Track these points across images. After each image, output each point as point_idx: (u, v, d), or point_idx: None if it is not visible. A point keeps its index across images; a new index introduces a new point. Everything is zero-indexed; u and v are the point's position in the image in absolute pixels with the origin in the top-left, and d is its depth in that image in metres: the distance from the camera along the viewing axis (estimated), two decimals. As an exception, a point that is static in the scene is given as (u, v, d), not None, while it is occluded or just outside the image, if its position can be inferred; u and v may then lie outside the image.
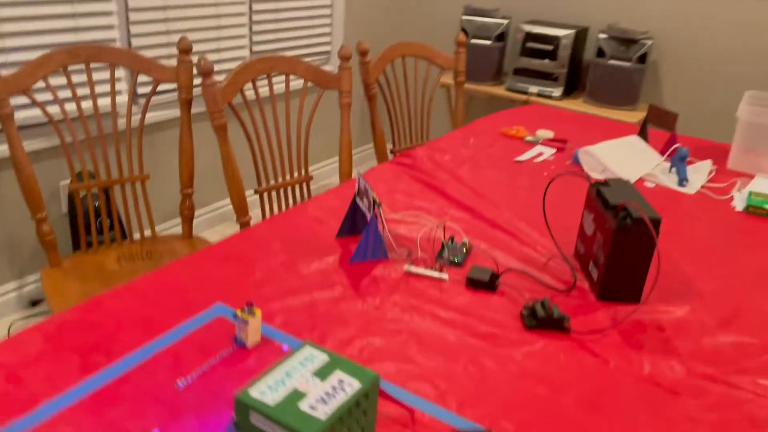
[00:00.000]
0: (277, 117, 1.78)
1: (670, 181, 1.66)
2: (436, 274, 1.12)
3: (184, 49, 1.73)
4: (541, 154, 1.80)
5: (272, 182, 1.83)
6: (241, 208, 1.66)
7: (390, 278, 1.11)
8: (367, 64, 2.01)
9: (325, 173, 3.48)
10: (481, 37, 3.02)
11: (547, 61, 2.86)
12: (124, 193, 1.78)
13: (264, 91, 2.87)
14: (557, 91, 2.88)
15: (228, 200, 2.99)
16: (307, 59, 3.14)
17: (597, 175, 1.67)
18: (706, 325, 1.04)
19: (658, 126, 1.85)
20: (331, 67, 3.34)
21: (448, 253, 1.19)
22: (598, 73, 2.80)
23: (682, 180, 1.65)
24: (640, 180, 1.66)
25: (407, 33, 3.57)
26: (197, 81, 1.76)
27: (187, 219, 1.84)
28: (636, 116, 2.75)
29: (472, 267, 1.13)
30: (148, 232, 2.56)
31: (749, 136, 1.75)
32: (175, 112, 2.53)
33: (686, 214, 1.48)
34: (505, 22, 2.99)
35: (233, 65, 2.73)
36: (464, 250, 1.21)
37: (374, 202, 1.11)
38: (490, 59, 3.02)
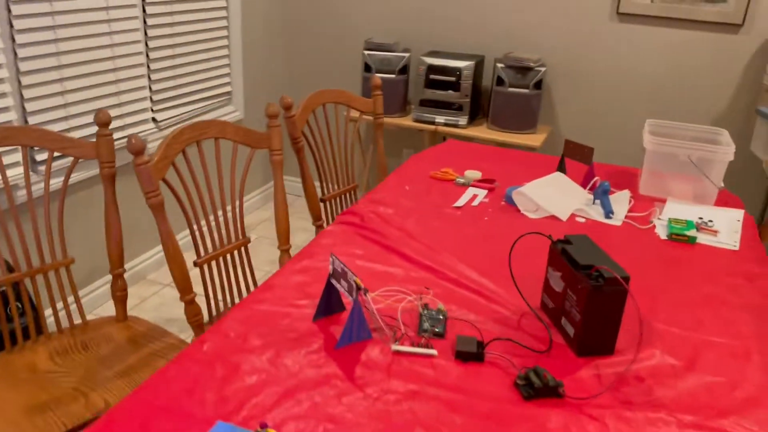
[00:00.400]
0: (210, 182, 1.71)
1: (598, 214, 1.78)
2: (424, 351, 1.13)
3: (103, 123, 1.63)
4: (475, 196, 1.86)
5: (210, 251, 1.75)
6: (185, 287, 1.58)
7: (381, 361, 1.10)
8: (293, 117, 1.98)
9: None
10: (385, 71, 3.07)
11: (450, 92, 2.96)
12: (48, 281, 1.63)
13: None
14: (463, 120, 2.99)
15: (138, 259, 2.83)
16: (207, 102, 3.04)
17: (531, 215, 1.76)
18: (676, 368, 1.13)
19: (575, 159, 1.97)
20: (233, 107, 3.26)
21: (429, 324, 1.20)
22: (499, 100, 2.94)
23: (608, 213, 1.77)
24: (572, 216, 1.76)
25: (308, 69, 3.56)
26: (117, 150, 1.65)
27: (120, 300, 1.73)
28: (537, 139, 2.91)
29: (457, 338, 1.15)
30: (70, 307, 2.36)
31: (656, 163, 1.92)
32: (83, 174, 2.36)
33: (620, 248, 1.59)
34: (407, 55, 3.06)
35: (136, 119, 2.59)
36: (441, 317, 1.23)
37: (357, 286, 1.10)
38: (396, 92, 3.08)
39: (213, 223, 3.58)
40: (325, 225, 2.17)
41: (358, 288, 1.10)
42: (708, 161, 1.86)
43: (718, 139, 1.99)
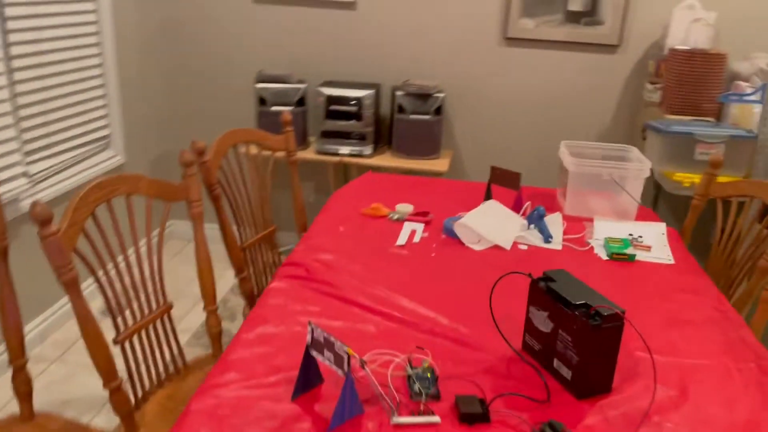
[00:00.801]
0: (123, 245, 1.49)
1: (537, 239, 1.78)
2: (427, 419, 1.02)
3: (-12, 187, 1.36)
4: (414, 231, 1.79)
5: (130, 323, 1.52)
6: (109, 373, 1.35)
7: (383, 439, 0.98)
8: (206, 163, 1.80)
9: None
10: (281, 103, 2.93)
11: (353, 121, 2.89)
12: (-73, 387, 1.33)
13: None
14: (367, 150, 2.92)
15: (18, 332, 2.45)
16: (85, 148, 2.73)
17: (475, 246, 1.71)
18: (673, 399, 1.12)
19: (502, 185, 1.96)
20: (113, 152, 2.95)
21: (419, 386, 1.09)
22: (402, 128, 2.91)
23: (547, 237, 1.77)
24: (515, 243, 1.74)
25: (195, 106, 3.32)
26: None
27: (25, 396, 1.45)
28: (442, 164, 2.91)
29: (457, 398, 1.06)
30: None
31: (579, 183, 1.96)
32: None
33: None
34: (303, 86, 2.95)
35: (6, 175, 2.24)
36: (429, 375, 1.13)
37: (348, 356, 0.97)
38: (295, 124, 2.94)
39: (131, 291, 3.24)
40: (250, 275, 1.99)
41: (350, 358, 0.97)
42: (628, 179, 1.92)
43: (628, 156, 2.07)
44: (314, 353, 1.05)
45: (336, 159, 2.93)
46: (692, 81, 2.54)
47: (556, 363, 1.15)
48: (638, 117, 2.97)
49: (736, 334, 1.34)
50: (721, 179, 2.40)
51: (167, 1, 3.15)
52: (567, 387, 1.13)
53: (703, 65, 2.52)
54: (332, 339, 1.00)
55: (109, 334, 1.37)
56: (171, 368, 1.63)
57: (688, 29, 2.64)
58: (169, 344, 1.62)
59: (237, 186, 2.00)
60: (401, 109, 2.89)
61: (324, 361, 1.03)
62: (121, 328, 1.49)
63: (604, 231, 1.84)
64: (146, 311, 1.56)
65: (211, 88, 3.28)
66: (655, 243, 1.79)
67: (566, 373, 1.12)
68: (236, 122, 3.30)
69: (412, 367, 1.14)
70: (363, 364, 0.97)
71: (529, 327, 1.22)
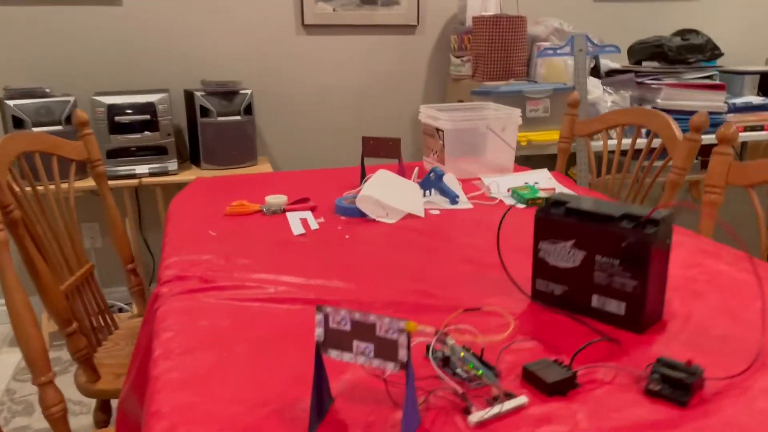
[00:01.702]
0: None
1: (444, 202, 1.55)
2: (515, 403, 0.71)
3: None
4: (305, 219, 1.43)
5: None
6: None
7: (482, 449, 0.64)
8: (-7, 173, 1.22)
9: None
10: (46, 122, 2.29)
11: (147, 133, 2.37)
12: None
13: None
14: (172, 165, 2.43)
15: None
16: None
17: (385, 220, 1.42)
18: (723, 309, 0.96)
19: (379, 156, 1.71)
20: None
21: (463, 369, 0.77)
22: (210, 133, 2.48)
23: (454, 198, 1.55)
24: (426, 210, 1.49)
25: None
26: None
27: None
28: (262, 169, 2.55)
29: (529, 367, 0.76)
30: None
31: (455, 143, 1.78)
32: None
33: (505, 227, 1.39)
34: (71, 99, 2.34)
35: None
36: (462, 353, 0.81)
37: (409, 336, 0.62)
38: (70, 147, 2.32)
39: None
40: (78, 330, 1.42)
41: (409, 336, 0.62)
42: (503, 129, 1.80)
43: (486, 109, 1.97)
44: (333, 354, 0.67)
45: (134, 182, 2.38)
46: (502, 46, 2.57)
47: (596, 300, 0.92)
48: (448, 92, 2.96)
49: (699, 243, 1.26)
50: (552, 133, 2.44)
51: None
52: (620, 324, 0.90)
53: (509, 29, 2.56)
54: (372, 318, 0.63)
55: None
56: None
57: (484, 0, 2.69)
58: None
59: (33, 210, 1.42)
60: (205, 112, 2.46)
61: (353, 360, 0.66)
62: None
63: (500, 184, 1.69)
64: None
65: (-68, 121, 2.46)
66: (553, 185, 1.69)
67: (616, 307, 0.90)
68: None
69: (434, 350, 0.81)
70: (445, 338, 0.62)
71: (542, 269, 0.97)
